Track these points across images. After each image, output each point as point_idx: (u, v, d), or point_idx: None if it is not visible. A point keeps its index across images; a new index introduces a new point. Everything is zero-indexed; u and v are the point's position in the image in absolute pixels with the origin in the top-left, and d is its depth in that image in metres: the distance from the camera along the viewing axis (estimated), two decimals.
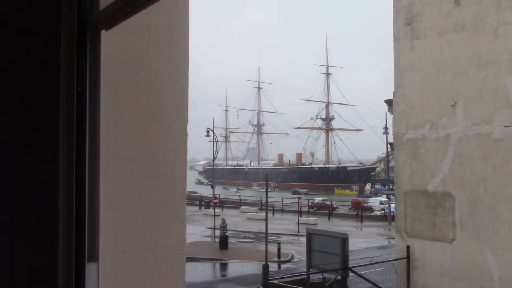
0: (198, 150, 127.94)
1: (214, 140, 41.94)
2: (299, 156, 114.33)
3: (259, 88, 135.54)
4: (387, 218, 41.95)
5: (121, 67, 1.64)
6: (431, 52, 12.44)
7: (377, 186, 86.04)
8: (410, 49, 12.98)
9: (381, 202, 49.10)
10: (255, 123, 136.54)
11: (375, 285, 14.48)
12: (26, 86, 1.36)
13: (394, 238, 18.56)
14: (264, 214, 24.17)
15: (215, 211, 36.48)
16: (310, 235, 16.39)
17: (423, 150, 12.51)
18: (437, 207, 12.07)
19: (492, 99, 11.05)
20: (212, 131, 42.52)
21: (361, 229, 39.47)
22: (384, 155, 73.12)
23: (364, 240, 32.00)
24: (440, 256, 11.97)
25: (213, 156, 44.97)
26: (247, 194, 73.49)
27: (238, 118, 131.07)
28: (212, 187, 45.83)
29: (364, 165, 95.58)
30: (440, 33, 12.21)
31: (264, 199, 26.18)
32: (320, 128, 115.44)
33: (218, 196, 47.02)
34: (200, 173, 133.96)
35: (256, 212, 46.77)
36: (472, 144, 11.38)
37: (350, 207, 53.16)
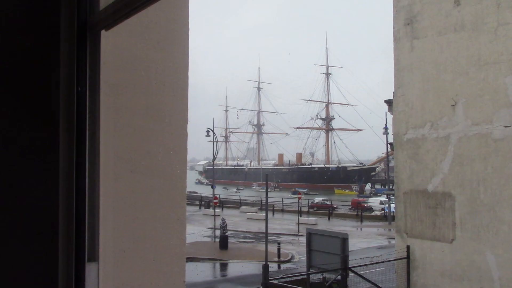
0: (198, 150, 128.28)
1: (214, 140, 41.97)
2: (299, 156, 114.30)
3: (259, 88, 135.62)
4: (387, 218, 41.96)
5: (121, 67, 1.64)
6: (431, 52, 12.43)
7: (377, 186, 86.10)
8: (410, 49, 12.98)
9: (381, 202, 49.13)
10: (255, 123, 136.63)
11: (375, 285, 14.47)
12: (26, 86, 1.36)
13: (394, 238, 18.56)
14: (264, 214, 24.17)
15: (215, 211, 36.50)
16: (310, 235, 16.38)
17: (423, 150, 12.50)
18: (437, 207, 12.06)
19: (492, 99, 11.05)
20: (212, 131, 42.52)
21: (361, 229, 39.45)
22: (384, 155, 73.12)
23: (364, 240, 32.00)
24: (440, 256, 11.97)
25: (213, 156, 44.97)
26: (247, 194, 73.47)
27: (238, 118, 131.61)
28: (212, 187, 45.82)
29: (364, 165, 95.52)
30: (440, 33, 12.21)
31: (264, 199, 26.17)
32: (320, 128, 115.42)
33: (218, 196, 47.00)
34: (200, 173, 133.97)
35: (256, 212, 46.78)
36: (472, 144, 11.37)
37: (350, 207, 53.16)
